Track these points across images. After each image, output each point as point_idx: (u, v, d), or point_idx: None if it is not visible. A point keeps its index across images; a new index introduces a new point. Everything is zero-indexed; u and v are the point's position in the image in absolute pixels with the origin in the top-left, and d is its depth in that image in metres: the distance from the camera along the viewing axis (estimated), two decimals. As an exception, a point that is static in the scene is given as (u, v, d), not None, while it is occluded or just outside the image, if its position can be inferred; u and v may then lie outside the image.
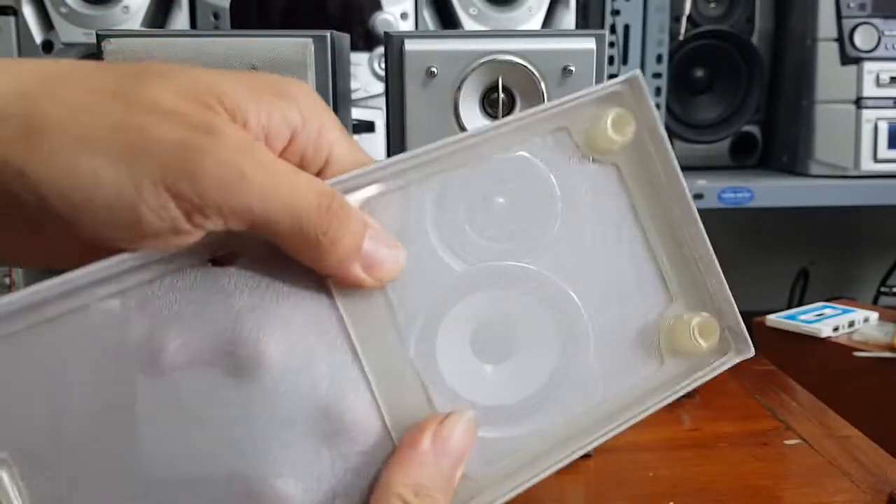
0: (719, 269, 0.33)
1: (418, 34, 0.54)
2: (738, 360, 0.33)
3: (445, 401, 0.32)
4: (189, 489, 0.26)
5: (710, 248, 0.33)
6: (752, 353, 0.33)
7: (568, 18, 1.22)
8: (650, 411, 0.33)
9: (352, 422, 0.29)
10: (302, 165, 0.27)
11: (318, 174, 0.28)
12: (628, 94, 0.33)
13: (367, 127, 1.19)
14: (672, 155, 0.33)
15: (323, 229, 0.25)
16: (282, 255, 0.26)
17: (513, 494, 0.31)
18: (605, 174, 0.33)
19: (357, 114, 1.18)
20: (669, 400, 0.33)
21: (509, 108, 0.51)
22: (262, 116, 0.25)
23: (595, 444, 0.33)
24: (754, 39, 1.49)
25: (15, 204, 0.23)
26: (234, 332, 0.27)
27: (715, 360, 0.33)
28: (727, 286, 0.33)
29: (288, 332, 0.28)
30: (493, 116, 0.51)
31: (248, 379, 0.27)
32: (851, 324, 0.87)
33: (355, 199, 0.28)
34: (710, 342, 0.33)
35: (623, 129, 0.32)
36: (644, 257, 0.33)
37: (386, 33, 0.51)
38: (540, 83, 0.50)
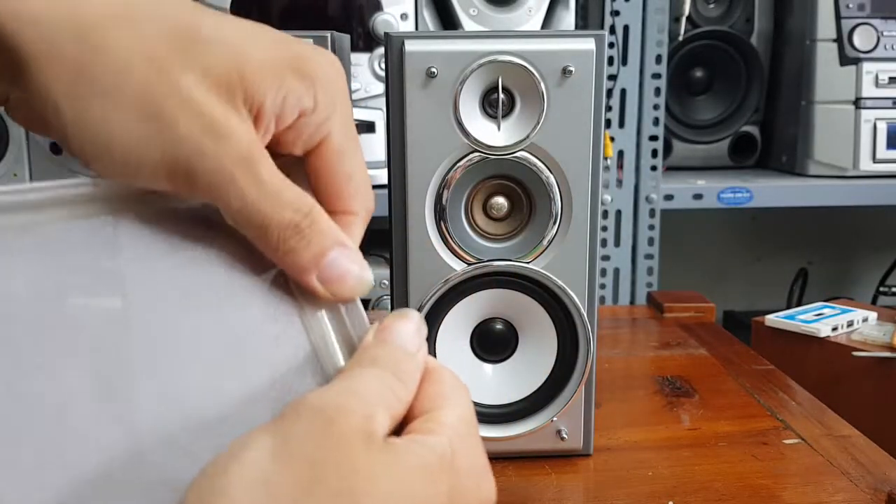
0: None
1: (418, 34, 0.54)
2: None
3: None
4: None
5: None
6: None
7: (568, 19, 1.22)
8: None
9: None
10: (298, 141, 0.29)
11: (312, 151, 0.30)
12: None
13: (368, 127, 1.19)
14: None
15: (284, 241, 0.28)
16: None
17: None
18: None
19: (357, 114, 1.18)
20: None
21: (509, 108, 0.51)
22: (277, 101, 0.28)
23: None
24: (753, 40, 1.50)
25: (36, 122, 0.27)
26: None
27: None
28: None
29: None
30: (493, 117, 0.51)
31: None
32: (850, 323, 0.87)
33: None
34: None
35: None
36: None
37: (386, 34, 0.51)
38: (540, 83, 0.50)
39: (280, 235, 0.28)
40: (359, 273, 0.30)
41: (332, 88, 0.29)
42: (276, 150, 0.29)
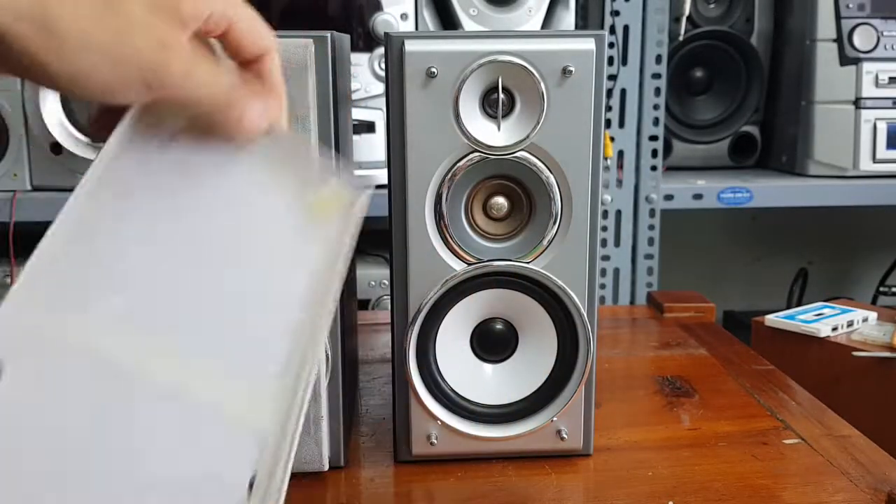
0: None
1: (418, 35, 0.54)
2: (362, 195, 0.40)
3: None
4: None
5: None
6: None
7: (567, 19, 1.22)
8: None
9: None
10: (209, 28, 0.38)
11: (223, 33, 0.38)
12: None
13: (368, 127, 1.19)
14: None
15: (230, 103, 0.38)
16: None
17: None
18: None
19: (357, 114, 1.18)
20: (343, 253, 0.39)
21: (509, 108, 0.51)
22: (203, 10, 0.36)
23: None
24: (753, 40, 1.50)
25: (25, 75, 0.35)
26: None
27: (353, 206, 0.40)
28: None
29: None
30: (493, 117, 0.51)
31: None
32: (850, 323, 0.88)
33: None
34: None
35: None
36: None
37: (386, 34, 0.51)
38: (540, 83, 0.50)
39: (227, 98, 0.38)
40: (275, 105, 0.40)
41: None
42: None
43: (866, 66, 1.35)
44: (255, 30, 0.39)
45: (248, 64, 0.39)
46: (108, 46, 0.34)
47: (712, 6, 1.50)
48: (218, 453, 0.33)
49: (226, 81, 0.38)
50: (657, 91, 1.33)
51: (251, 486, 0.32)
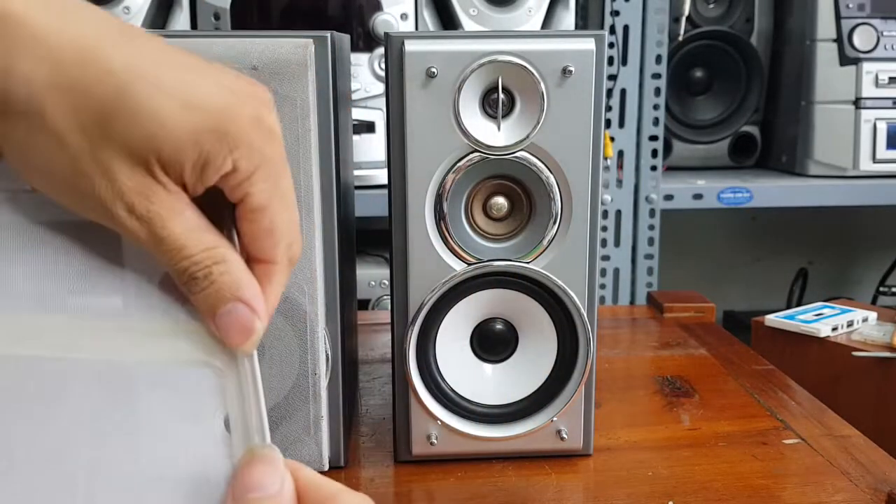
0: None
1: (418, 35, 0.54)
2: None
3: None
4: None
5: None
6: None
7: (567, 19, 1.22)
8: None
9: None
10: (225, 193, 0.31)
11: (237, 204, 0.32)
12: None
13: (367, 127, 1.19)
14: None
15: (183, 284, 0.31)
16: None
17: None
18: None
19: (357, 114, 1.18)
20: None
21: (509, 108, 0.51)
22: (196, 170, 0.30)
23: None
24: (753, 40, 1.50)
25: None
26: None
27: None
28: None
29: None
30: (493, 117, 0.51)
31: None
32: (850, 323, 0.88)
33: None
34: None
35: None
36: None
37: (386, 34, 0.51)
38: (540, 83, 0.50)
39: (179, 279, 0.31)
40: (248, 326, 0.31)
41: (253, 151, 0.30)
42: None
43: (866, 66, 1.35)
44: (276, 218, 0.32)
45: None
46: (71, 180, 0.29)
47: (712, 6, 1.50)
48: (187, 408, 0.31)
49: (204, 257, 0.31)
50: (657, 91, 1.33)
51: (226, 425, 0.31)
